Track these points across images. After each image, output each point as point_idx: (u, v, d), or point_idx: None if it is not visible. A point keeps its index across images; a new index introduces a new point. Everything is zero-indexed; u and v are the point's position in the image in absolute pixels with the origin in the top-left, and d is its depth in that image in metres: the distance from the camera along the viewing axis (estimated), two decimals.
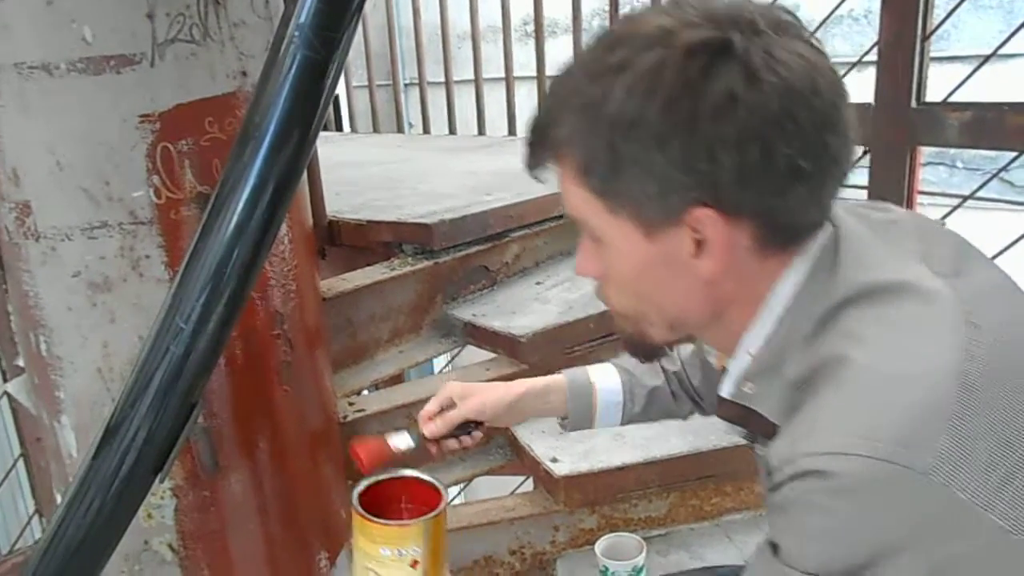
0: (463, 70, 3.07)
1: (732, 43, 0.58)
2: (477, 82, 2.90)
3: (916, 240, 0.68)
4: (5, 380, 1.81)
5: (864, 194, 1.58)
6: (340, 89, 3.57)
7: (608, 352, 1.66)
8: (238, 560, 1.30)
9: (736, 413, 0.71)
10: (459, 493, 2.69)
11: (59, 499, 1.33)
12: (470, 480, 1.73)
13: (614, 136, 0.60)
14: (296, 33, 0.82)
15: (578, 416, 1.02)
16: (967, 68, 1.61)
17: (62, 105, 1.03)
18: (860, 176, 1.59)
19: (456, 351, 1.97)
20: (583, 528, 1.51)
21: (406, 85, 3.75)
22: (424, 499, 0.81)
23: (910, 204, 1.57)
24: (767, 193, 0.60)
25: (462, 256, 1.80)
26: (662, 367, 1.02)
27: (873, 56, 1.60)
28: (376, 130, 3.39)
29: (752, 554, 0.66)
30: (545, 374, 1.04)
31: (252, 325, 1.23)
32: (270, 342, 1.27)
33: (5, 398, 1.84)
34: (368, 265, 1.78)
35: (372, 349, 1.71)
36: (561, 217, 1.89)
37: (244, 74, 1.13)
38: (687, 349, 1.02)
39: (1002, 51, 1.60)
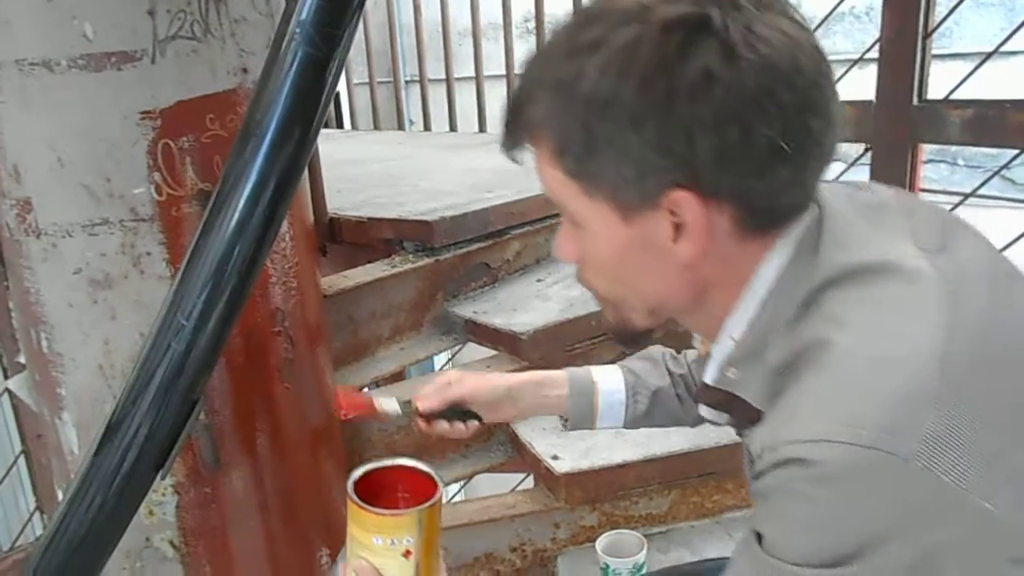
0: (464, 67, 3.07)
1: (711, 18, 0.56)
2: (478, 79, 2.89)
3: (902, 218, 0.67)
4: (6, 377, 1.81)
5: None
6: (341, 86, 3.56)
7: (609, 350, 1.66)
8: (239, 557, 1.30)
9: (720, 399, 0.70)
10: (459, 490, 2.70)
11: (60, 496, 1.33)
12: (470, 477, 1.73)
13: (588, 116, 0.59)
14: (297, 30, 0.82)
15: (579, 414, 1.00)
16: (969, 65, 1.61)
17: (63, 102, 1.03)
18: (861, 174, 1.59)
19: (457, 348, 1.97)
20: (584, 525, 1.52)
21: (407, 82, 3.75)
22: (421, 489, 0.80)
23: None
24: (747, 175, 0.59)
25: (463, 253, 1.80)
26: (668, 370, 1.00)
27: (875, 53, 1.60)
28: (377, 127, 3.39)
29: (737, 544, 0.65)
30: None
31: (253, 322, 1.23)
32: (271, 339, 1.27)
33: (6, 395, 1.84)
34: (369, 262, 1.78)
35: (373, 346, 1.71)
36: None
37: (245, 71, 1.13)
38: (694, 353, 1.00)
39: (1004, 49, 1.60)
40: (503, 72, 2.83)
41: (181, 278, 0.87)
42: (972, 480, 0.54)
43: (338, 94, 3.68)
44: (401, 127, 3.35)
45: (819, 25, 1.89)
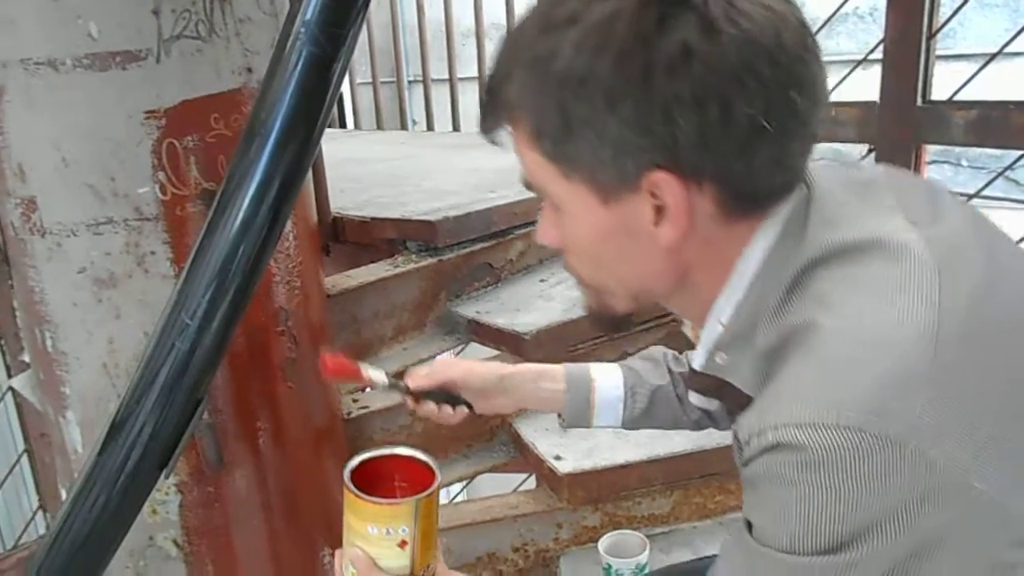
0: (467, 67, 3.07)
1: None
2: (481, 79, 2.89)
3: (892, 192, 0.65)
4: (10, 376, 1.82)
5: None
6: (344, 86, 3.56)
7: (612, 350, 1.66)
8: (242, 556, 1.31)
9: (709, 385, 0.68)
10: (461, 490, 2.70)
11: (64, 494, 1.33)
12: (473, 477, 1.73)
13: (564, 95, 0.56)
14: (302, 30, 0.82)
15: (575, 411, 0.97)
16: (973, 66, 1.60)
17: (68, 101, 1.03)
18: None
19: (460, 348, 1.97)
20: (586, 526, 1.52)
21: (410, 82, 3.75)
22: (418, 479, 0.78)
23: None
24: (728, 155, 0.56)
25: (466, 253, 1.80)
26: (669, 368, 0.98)
27: (879, 54, 1.60)
28: (380, 127, 3.39)
29: (728, 534, 0.64)
30: None
31: (257, 322, 1.23)
32: (275, 339, 1.27)
33: (9, 394, 1.84)
34: (372, 262, 1.78)
35: (376, 346, 1.71)
36: None
37: (249, 70, 1.13)
38: None
39: (1008, 49, 1.59)
40: None
41: (185, 277, 0.87)
42: (967, 462, 0.52)
43: (341, 94, 3.68)
44: (404, 127, 3.35)
45: (823, 25, 1.89)
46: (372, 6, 0.87)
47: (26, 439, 1.91)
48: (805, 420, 0.53)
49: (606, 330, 0.76)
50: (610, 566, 1.28)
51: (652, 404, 0.97)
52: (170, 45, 1.04)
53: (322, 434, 1.41)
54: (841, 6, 1.82)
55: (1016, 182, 3.30)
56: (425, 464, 0.79)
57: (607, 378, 0.98)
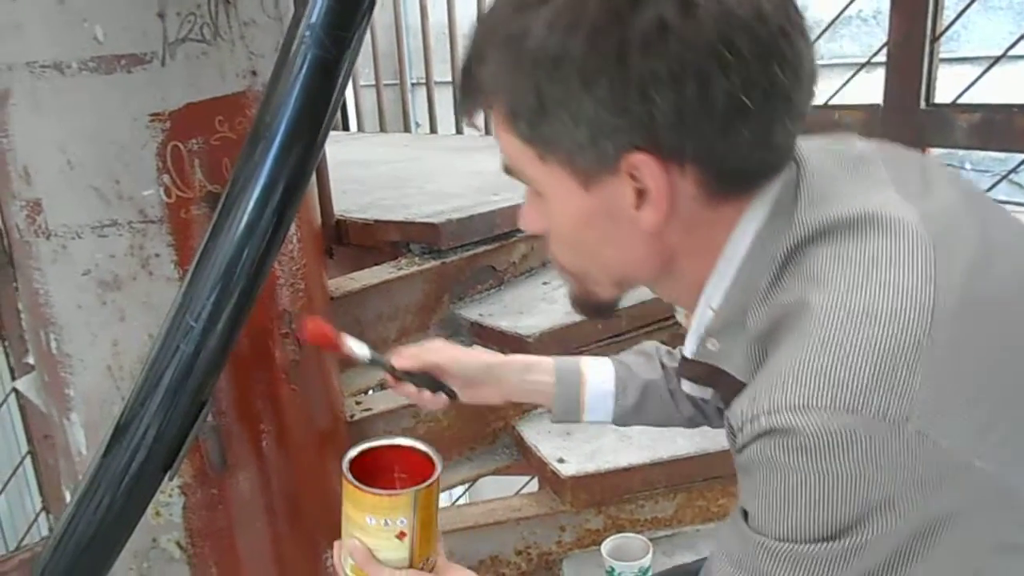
0: None
1: None
2: None
3: (883, 167, 0.63)
4: (13, 378, 1.82)
5: None
6: (347, 89, 3.57)
7: (616, 352, 1.66)
8: (245, 558, 1.31)
9: (701, 373, 0.66)
10: (463, 493, 2.69)
11: (68, 496, 1.33)
12: (475, 480, 1.73)
13: (537, 75, 0.55)
14: (307, 33, 0.82)
15: (564, 405, 0.95)
16: (977, 69, 1.60)
17: (73, 104, 1.04)
18: None
19: None
20: (589, 528, 1.51)
21: (413, 85, 3.75)
22: (419, 470, 0.76)
23: None
24: (709, 134, 0.54)
25: (469, 256, 1.80)
26: (661, 363, 0.96)
27: (882, 57, 1.60)
28: (383, 129, 3.39)
29: (725, 523, 0.62)
30: None
31: (261, 324, 1.23)
32: (278, 341, 1.27)
33: (13, 395, 1.85)
34: (375, 264, 1.78)
35: (379, 348, 1.69)
36: None
37: (254, 73, 1.13)
38: None
39: (1012, 52, 1.59)
40: None
41: (190, 280, 0.88)
42: (968, 441, 0.51)
43: (344, 96, 3.68)
44: (407, 129, 3.35)
45: (826, 29, 1.89)
46: (376, 9, 0.87)
47: (29, 441, 1.91)
48: (799, 403, 0.51)
49: (590, 315, 0.74)
50: (613, 569, 1.28)
51: (643, 399, 0.94)
52: (175, 48, 1.05)
53: (325, 436, 1.41)
54: (844, 9, 1.82)
55: (1020, 185, 3.29)
56: (425, 455, 0.78)
57: (598, 372, 0.95)
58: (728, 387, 0.63)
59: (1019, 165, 1.56)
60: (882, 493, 0.50)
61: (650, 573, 1.29)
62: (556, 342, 1.63)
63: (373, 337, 1.70)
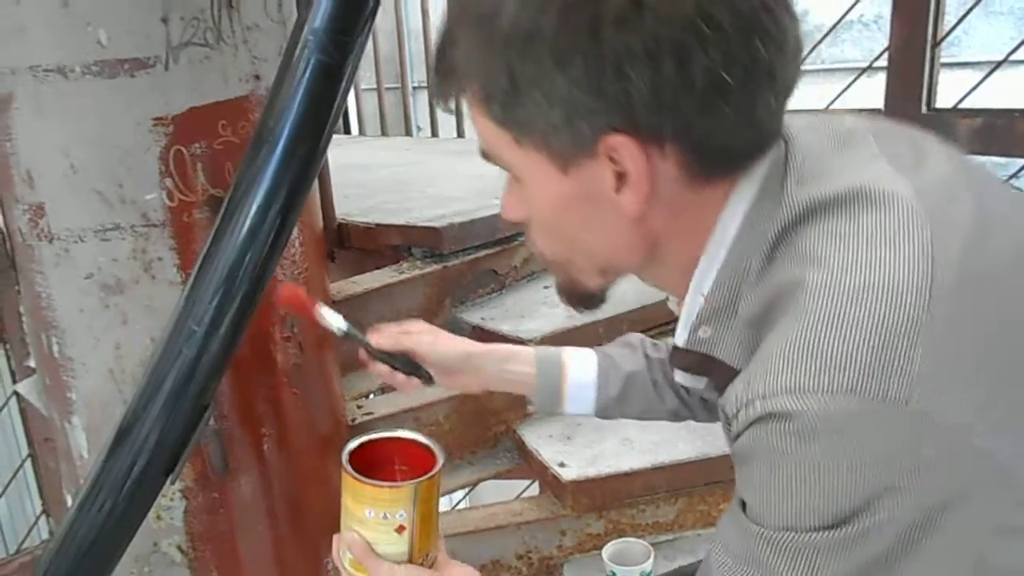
0: None
1: None
2: None
3: (874, 142, 0.60)
4: (14, 381, 1.82)
5: None
6: (349, 93, 3.58)
7: None
8: (247, 562, 1.30)
9: (693, 362, 0.64)
10: (464, 497, 2.69)
11: (69, 500, 1.33)
12: (475, 484, 1.73)
13: (509, 54, 0.53)
14: (310, 37, 0.82)
15: (545, 395, 0.93)
16: (978, 74, 1.61)
17: (77, 108, 1.04)
18: None
19: None
20: (590, 533, 1.51)
21: (414, 88, 3.76)
22: (420, 463, 0.74)
23: None
24: (688, 113, 0.52)
25: (471, 260, 1.81)
26: (646, 354, 0.94)
27: (883, 62, 1.60)
28: (384, 133, 3.40)
29: (723, 515, 0.60)
30: None
31: (263, 328, 1.24)
32: (280, 345, 1.27)
33: (13, 398, 1.85)
34: (377, 268, 1.78)
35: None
36: None
37: (257, 77, 1.14)
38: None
39: (1013, 58, 1.60)
40: None
41: (193, 284, 0.88)
42: (970, 420, 0.49)
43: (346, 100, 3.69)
44: (409, 133, 3.36)
45: (827, 33, 1.90)
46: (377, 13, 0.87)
47: (30, 444, 1.91)
48: (795, 386, 0.49)
49: (577, 306, 0.71)
50: (614, 573, 1.27)
51: (626, 390, 0.93)
52: (178, 52, 1.05)
53: (326, 440, 1.41)
54: (846, 14, 1.83)
55: (1021, 191, 3.30)
56: (427, 447, 0.76)
57: (580, 363, 0.93)
58: (722, 375, 0.60)
59: (1020, 170, 1.56)
60: (884, 477, 0.49)
61: None
62: (557, 345, 1.63)
63: None
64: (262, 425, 1.27)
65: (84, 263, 1.11)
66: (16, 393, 1.80)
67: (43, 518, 1.96)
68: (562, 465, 1.49)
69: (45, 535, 1.96)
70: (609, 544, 1.32)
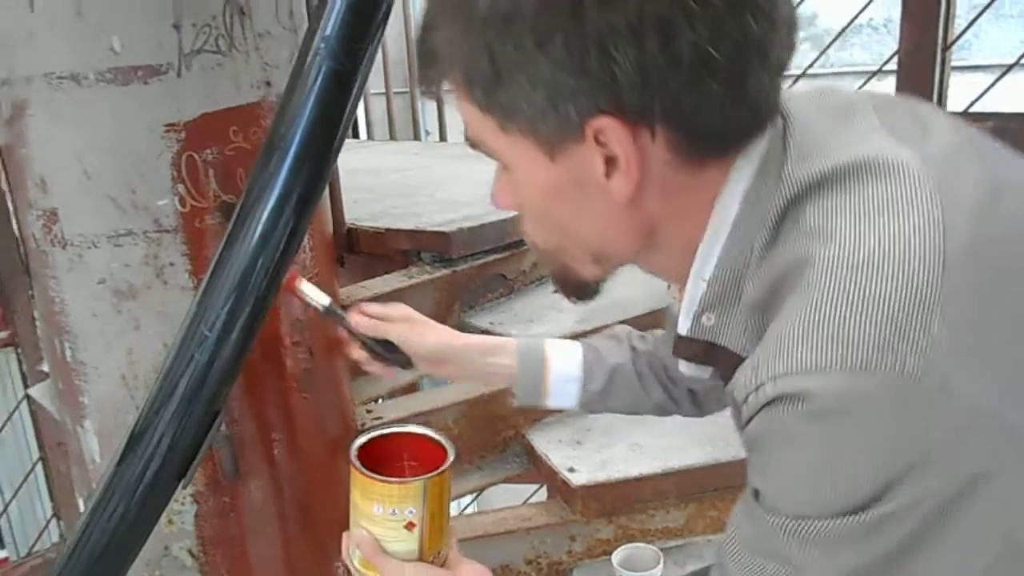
0: None
1: None
2: None
3: (874, 114, 0.58)
4: (26, 385, 1.84)
5: None
6: None
7: None
8: (256, 566, 1.31)
9: (698, 351, 0.61)
10: (472, 502, 2.69)
11: (81, 504, 1.34)
12: (484, 488, 1.73)
13: (489, 36, 0.51)
14: (322, 45, 0.83)
15: (527, 388, 0.91)
16: (989, 77, 1.60)
17: (90, 114, 1.05)
18: None
19: None
20: (600, 538, 1.51)
21: (422, 92, 3.77)
22: (431, 459, 0.73)
23: None
24: (676, 92, 0.50)
25: (480, 264, 1.81)
26: (632, 347, 0.93)
27: (893, 65, 1.60)
28: (393, 137, 3.41)
29: (735, 506, 0.57)
30: None
31: (273, 333, 1.24)
32: (290, 349, 1.28)
33: (25, 402, 1.86)
34: (386, 273, 1.79)
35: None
36: None
37: (268, 84, 1.14)
38: (661, 332, 0.92)
39: None
40: None
41: (204, 289, 0.88)
42: (995, 391, 0.46)
43: None
44: (417, 137, 3.37)
45: (837, 37, 1.89)
46: None
47: (41, 447, 1.93)
48: (807, 365, 0.46)
49: (573, 297, 0.69)
50: None
51: (610, 384, 0.91)
52: (191, 59, 1.05)
53: (336, 444, 1.42)
54: (855, 17, 1.82)
55: None
56: (437, 443, 0.75)
57: (563, 355, 0.92)
58: (728, 364, 0.58)
59: None
60: (905, 457, 0.46)
61: None
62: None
63: None
64: (272, 429, 1.27)
65: (97, 268, 1.12)
66: (28, 397, 1.82)
67: (54, 521, 1.97)
68: (572, 470, 1.48)
69: (56, 538, 1.97)
70: (619, 549, 1.32)
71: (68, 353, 1.18)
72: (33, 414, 1.87)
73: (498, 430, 1.66)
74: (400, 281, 1.73)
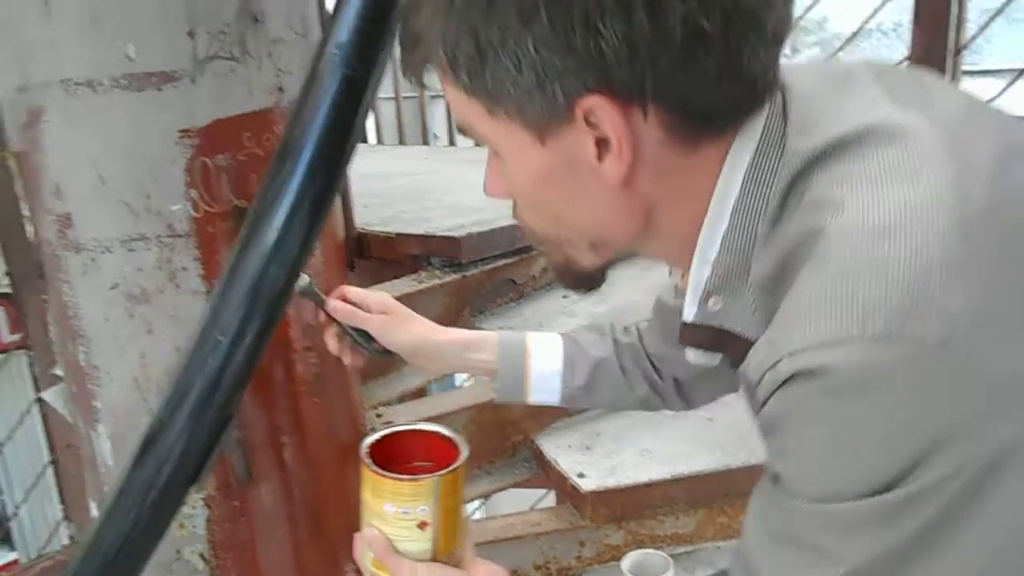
0: None
1: None
2: None
3: (876, 83, 0.56)
4: (38, 388, 1.85)
5: None
6: None
7: None
8: (267, 570, 1.31)
9: (705, 338, 0.59)
10: (480, 507, 2.69)
11: (93, 507, 1.34)
12: (492, 493, 1.73)
13: (471, 16, 0.49)
14: (335, 51, 0.83)
15: (507, 383, 0.90)
16: (1000, 82, 1.59)
17: (106, 120, 1.05)
18: None
19: None
20: (609, 544, 1.51)
21: (432, 97, 3.78)
22: (444, 457, 0.72)
23: None
24: (667, 68, 0.48)
25: (489, 269, 1.81)
26: (615, 339, 0.91)
27: None
28: (402, 142, 3.42)
29: (754, 492, 0.55)
30: None
31: (284, 337, 1.24)
32: (301, 354, 1.28)
33: (36, 405, 1.87)
34: (396, 278, 1.80)
35: (399, 361, 1.69)
36: None
37: (281, 90, 1.15)
38: (646, 323, 0.91)
39: None
40: None
41: (218, 294, 0.88)
42: (1018, 356, 0.44)
43: None
44: (426, 142, 3.38)
45: (847, 42, 1.89)
46: None
47: (52, 450, 1.94)
48: (824, 338, 0.44)
49: (575, 287, 0.66)
50: None
51: (593, 379, 0.89)
52: (204, 66, 1.06)
53: (346, 449, 1.42)
54: (865, 22, 1.82)
55: None
56: (450, 440, 0.73)
57: (545, 350, 0.90)
58: (737, 349, 0.56)
59: None
60: (932, 432, 0.43)
61: None
62: None
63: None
64: (283, 434, 1.28)
65: (110, 273, 1.12)
66: (39, 399, 1.83)
67: (64, 523, 1.98)
68: (581, 475, 1.48)
69: (66, 540, 1.98)
70: (628, 555, 1.31)
71: (82, 357, 1.19)
72: (44, 417, 1.88)
73: (507, 435, 1.66)
74: (410, 286, 1.73)
